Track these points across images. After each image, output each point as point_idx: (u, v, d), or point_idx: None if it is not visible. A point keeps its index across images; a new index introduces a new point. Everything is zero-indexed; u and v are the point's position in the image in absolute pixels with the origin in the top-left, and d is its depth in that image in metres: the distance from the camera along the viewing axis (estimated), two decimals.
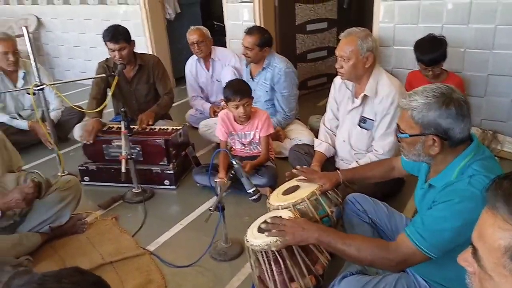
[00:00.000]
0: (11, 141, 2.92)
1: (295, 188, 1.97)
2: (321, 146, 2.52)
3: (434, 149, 1.31)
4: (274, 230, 1.54)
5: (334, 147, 2.52)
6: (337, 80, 2.48)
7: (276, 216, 1.67)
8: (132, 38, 3.08)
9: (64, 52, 5.75)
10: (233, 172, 1.89)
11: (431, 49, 2.77)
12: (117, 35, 2.95)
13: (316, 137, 2.68)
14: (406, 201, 2.41)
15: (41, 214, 2.21)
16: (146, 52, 4.11)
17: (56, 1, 5.44)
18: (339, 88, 2.47)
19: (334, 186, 1.86)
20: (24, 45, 2.79)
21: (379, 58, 3.36)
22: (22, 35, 2.84)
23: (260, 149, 2.69)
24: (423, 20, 3.18)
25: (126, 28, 3.05)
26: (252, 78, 3.22)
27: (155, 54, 4.69)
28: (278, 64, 3.09)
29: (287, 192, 1.98)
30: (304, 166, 2.12)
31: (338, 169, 2.41)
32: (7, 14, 5.99)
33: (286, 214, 1.74)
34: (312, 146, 2.60)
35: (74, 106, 3.03)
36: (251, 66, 3.25)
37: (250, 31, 3.10)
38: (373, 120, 2.27)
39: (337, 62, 2.24)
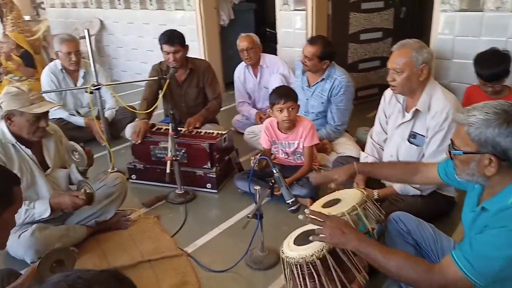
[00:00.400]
0: (68, 136, 3.09)
1: (336, 202, 1.92)
2: (366, 159, 2.44)
3: (490, 169, 1.22)
4: (316, 235, 1.49)
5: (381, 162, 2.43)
6: (388, 92, 2.39)
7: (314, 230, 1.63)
8: (187, 43, 3.16)
9: (123, 54, 6.03)
10: (272, 181, 1.87)
11: (492, 64, 2.59)
12: (173, 38, 3.05)
13: (363, 150, 2.59)
14: (456, 224, 2.26)
15: (89, 209, 2.30)
16: (198, 57, 4.22)
17: (118, 6, 5.74)
18: (389, 101, 2.38)
19: (349, 177, 1.80)
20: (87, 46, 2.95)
21: (434, 71, 3.20)
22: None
23: (303, 160, 2.65)
24: (486, 32, 2.99)
25: (182, 33, 3.14)
26: (309, 86, 3.12)
27: (207, 59, 4.80)
28: (339, 77, 2.99)
29: (327, 205, 1.93)
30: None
31: (384, 185, 2.34)
32: (74, 17, 6.40)
33: None
34: (358, 159, 2.52)
35: (127, 106, 3.16)
36: (308, 74, 3.12)
37: (313, 40, 2.99)
38: (424, 136, 2.16)
39: (388, 75, 2.16)
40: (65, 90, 3.67)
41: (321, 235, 1.46)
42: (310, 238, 1.50)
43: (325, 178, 1.86)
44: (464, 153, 1.26)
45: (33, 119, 2.02)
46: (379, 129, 2.46)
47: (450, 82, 3.25)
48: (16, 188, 1.24)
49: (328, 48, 2.96)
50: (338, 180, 1.79)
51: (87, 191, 2.12)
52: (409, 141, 2.23)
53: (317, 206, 1.96)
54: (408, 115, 2.21)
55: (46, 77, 3.64)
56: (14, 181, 1.25)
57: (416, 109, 2.14)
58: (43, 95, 3.51)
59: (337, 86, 2.99)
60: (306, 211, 1.56)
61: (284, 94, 2.50)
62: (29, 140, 2.09)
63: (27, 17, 6.85)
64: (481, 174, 1.25)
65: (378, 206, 1.89)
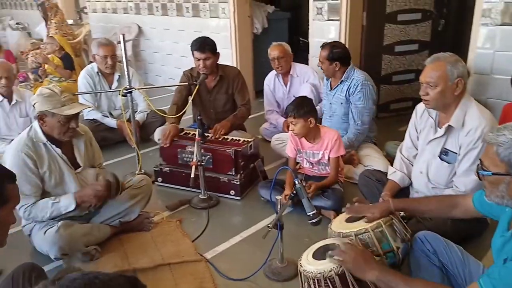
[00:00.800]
0: (100, 137, 3.20)
1: (360, 217, 1.86)
2: (395, 174, 2.36)
3: None
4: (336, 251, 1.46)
5: (410, 178, 2.35)
6: (420, 106, 2.31)
7: (339, 243, 1.58)
8: (218, 50, 3.20)
9: (158, 59, 6.18)
10: (294, 191, 1.84)
11: None
12: (204, 45, 3.09)
13: (392, 165, 2.51)
14: (488, 247, 2.12)
15: (114, 209, 2.36)
16: (230, 64, 4.25)
17: (156, 12, 5.89)
18: (421, 115, 2.30)
19: (384, 215, 1.72)
20: (127, 50, 3.02)
21: (472, 86, 3.08)
22: (126, 41, 3.13)
23: (329, 170, 2.60)
24: None
25: (213, 40, 3.18)
26: (331, 90, 3.19)
27: (239, 67, 4.83)
28: (356, 77, 3.04)
29: (351, 219, 1.88)
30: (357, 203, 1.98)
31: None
32: (114, 21, 6.62)
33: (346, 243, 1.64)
34: (385, 174, 2.44)
35: (157, 110, 3.21)
36: (332, 79, 3.19)
37: (323, 45, 3.13)
38: (456, 153, 2.07)
39: (421, 89, 2.08)
40: (100, 92, 3.78)
41: (341, 263, 1.44)
42: (329, 254, 1.46)
43: (358, 212, 1.81)
44: (493, 174, 1.20)
45: (64, 120, 2.08)
46: (410, 144, 2.38)
47: (488, 98, 3.11)
48: (10, 186, 1.21)
49: (337, 50, 3.03)
50: (372, 216, 1.73)
51: (108, 179, 2.17)
52: (440, 158, 2.15)
53: (340, 220, 1.92)
54: (441, 131, 2.12)
55: (83, 79, 3.76)
56: (7, 178, 1.22)
57: (449, 125, 2.06)
58: (78, 96, 3.66)
59: (354, 85, 3.02)
60: (331, 253, 1.52)
61: (291, 109, 2.47)
62: (59, 140, 2.16)
63: (70, 21, 7.18)
64: (511, 197, 1.18)
65: (405, 224, 1.82)
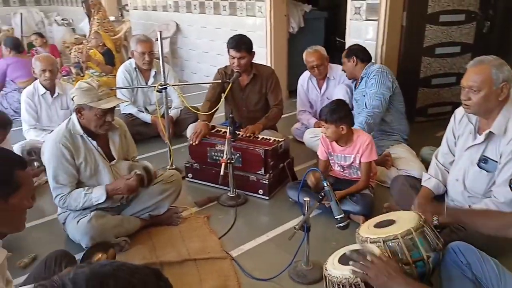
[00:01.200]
0: (135, 131, 3.27)
1: (390, 223, 1.80)
2: (429, 181, 2.27)
3: None
4: (358, 264, 1.42)
5: (445, 185, 2.25)
6: (459, 111, 2.21)
7: (365, 250, 1.54)
8: (254, 49, 3.19)
9: (194, 56, 6.26)
10: (322, 194, 1.80)
11: None
12: (240, 44, 3.09)
13: (427, 170, 2.43)
14: None
15: (144, 202, 2.42)
16: (264, 63, 4.25)
17: (194, 10, 5.97)
18: (460, 121, 2.20)
19: (435, 213, 1.65)
20: (164, 47, 3.08)
21: None
22: (164, 38, 3.18)
23: (360, 175, 2.54)
24: None
25: (250, 39, 3.18)
26: (355, 89, 3.31)
27: (274, 66, 4.82)
28: (373, 68, 3.14)
29: (380, 225, 1.82)
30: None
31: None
32: (153, 19, 6.77)
33: (373, 249, 1.59)
34: (420, 180, 2.36)
35: (190, 107, 3.26)
36: (356, 82, 3.31)
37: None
38: (496, 161, 1.97)
39: (462, 93, 1.99)
40: (136, 88, 3.87)
41: (364, 275, 1.40)
42: (352, 265, 1.42)
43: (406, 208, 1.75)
44: None
45: (100, 113, 2.14)
46: (446, 150, 2.29)
47: None
48: (20, 173, 1.22)
49: (354, 47, 3.27)
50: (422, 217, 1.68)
51: (138, 172, 2.23)
52: (479, 165, 2.05)
53: (369, 225, 1.86)
54: (480, 138, 2.02)
55: (121, 74, 3.87)
56: (18, 164, 1.23)
57: (490, 132, 1.96)
58: (115, 91, 3.76)
59: (370, 73, 3.11)
60: (348, 253, 1.48)
61: (325, 112, 2.43)
62: (95, 132, 2.23)
63: (112, 18, 7.40)
64: None
65: (437, 233, 1.75)
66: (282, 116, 3.45)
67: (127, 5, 7.82)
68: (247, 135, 2.96)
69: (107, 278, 0.70)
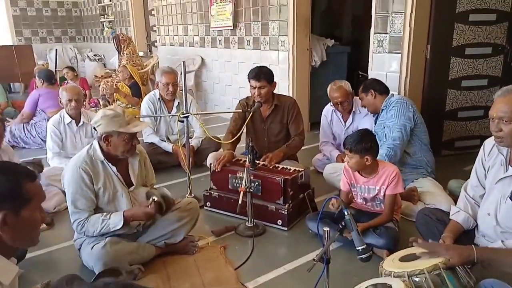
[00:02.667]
0: (156, 160, 3.29)
1: (417, 257, 1.70)
2: (458, 215, 2.14)
3: None
4: None
5: (475, 220, 2.12)
6: (488, 142, 2.11)
7: (388, 284, 1.44)
8: (275, 80, 3.22)
9: (218, 89, 6.37)
10: (343, 223, 1.72)
11: None
12: (260, 74, 3.13)
13: (455, 204, 2.30)
14: None
15: (160, 229, 2.38)
16: (287, 95, 4.26)
17: (219, 45, 6.14)
18: (490, 152, 2.09)
19: (464, 263, 1.53)
20: (189, 80, 3.14)
21: None
22: (189, 72, 3.26)
23: (383, 207, 2.43)
24: None
25: (270, 70, 3.21)
26: (375, 123, 3.26)
27: (296, 99, 4.81)
28: (393, 99, 3.10)
29: (405, 258, 1.73)
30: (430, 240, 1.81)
31: (476, 245, 2.02)
32: (180, 54, 6.99)
33: (397, 284, 1.49)
34: (447, 213, 2.23)
35: (212, 136, 3.27)
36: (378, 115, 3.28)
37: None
38: None
39: (492, 124, 1.90)
40: (159, 117, 3.94)
41: None
42: None
43: (431, 250, 1.64)
44: None
45: (128, 138, 2.17)
46: (476, 183, 2.17)
47: None
48: (29, 185, 1.19)
49: (369, 80, 3.30)
50: (450, 262, 1.56)
51: (156, 199, 2.20)
52: (511, 199, 1.92)
53: (393, 258, 1.77)
54: None
55: (145, 104, 3.95)
56: (25, 177, 1.20)
57: None
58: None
59: (390, 105, 3.08)
60: (382, 266, 1.39)
61: (350, 142, 2.36)
62: (116, 158, 2.24)
63: (141, 53, 7.69)
64: None
65: (467, 269, 1.63)
66: (304, 147, 3.41)
67: (156, 41, 8.14)
68: (266, 162, 2.92)
69: None
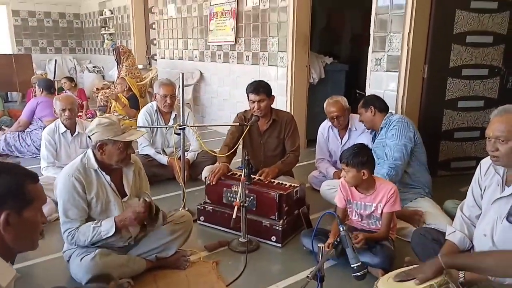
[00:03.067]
0: (151, 172, 3.25)
1: (412, 276, 1.67)
2: (454, 235, 2.11)
3: None
4: None
5: (471, 240, 2.09)
6: (485, 161, 2.10)
7: None
8: (273, 95, 3.22)
9: (216, 103, 6.38)
10: (338, 239, 1.69)
11: None
12: (259, 87, 3.14)
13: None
14: None
15: (152, 242, 2.33)
16: (285, 110, 4.26)
17: (218, 60, 6.17)
18: (486, 172, 2.09)
19: (438, 274, 1.51)
20: (187, 93, 3.14)
21: None
22: (187, 85, 3.25)
23: (379, 225, 2.40)
24: None
25: (268, 84, 3.22)
26: (373, 140, 3.24)
27: (293, 115, 4.82)
28: (394, 118, 3.09)
29: (401, 278, 1.69)
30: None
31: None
32: (179, 67, 7.02)
33: None
34: (443, 233, 2.21)
35: (208, 149, 3.24)
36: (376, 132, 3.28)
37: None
38: None
39: (489, 144, 1.90)
40: (155, 128, 3.92)
41: None
42: None
43: (408, 276, 1.64)
44: None
45: (123, 146, 2.15)
46: (472, 203, 2.15)
47: None
48: (32, 186, 1.21)
49: (370, 96, 3.28)
50: (424, 276, 1.56)
51: (146, 199, 2.16)
52: (508, 219, 1.90)
53: (388, 277, 1.73)
54: (509, 190, 1.89)
55: (142, 116, 3.94)
56: (29, 178, 1.22)
57: None
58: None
59: (391, 124, 3.06)
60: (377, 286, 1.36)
61: (346, 156, 2.35)
62: (110, 167, 2.21)
63: (140, 66, 7.73)
64: None
65: None
66: (300, 164, 3.40)
67: (155, 54, 8.18)
68: (262, 177, 2.89)
69: None
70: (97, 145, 2.15)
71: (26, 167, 1.29)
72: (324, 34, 6.60)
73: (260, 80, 3.26)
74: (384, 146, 3.06)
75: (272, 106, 3.30)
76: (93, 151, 2.20)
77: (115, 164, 2.19)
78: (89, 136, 2.20)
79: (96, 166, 2.19)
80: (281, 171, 3.11)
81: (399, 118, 3.06)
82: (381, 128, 3.12)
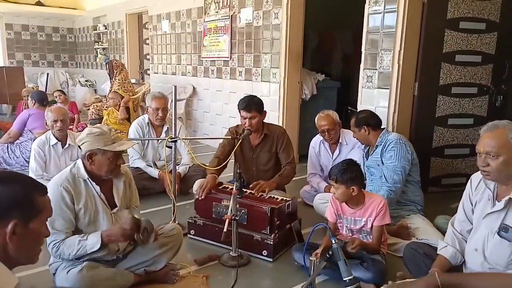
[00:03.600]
0: (141, 185, 3.22)
1: None
2: (446, 250, 2.11)
3: None
4: None
5: (463, 255, 2.09)
6: (475, 176, 2.12)
7: None
8: (265, 109, 3.23)
9: (208, 118, 6.39)
10: (330, 252, 1.67)
11: None
12: (250, 105, 3.14)
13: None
14: None
15: (141, 256, 2.29)
16: (277, 124, 4.27)
17: (211, 75, 6.20)
18: (477, 187, 2.10)
19: None
20: (179, 108, 3.13)
21: None
22: (180, 100, 3.24)
23: (370, 240, 2.39)
24: None
25: (260, 100, 3.23)
26: (367, 157, 3.21)
27: (285, 130, 4.84)
28: (390, 138, 3.04)
29: None
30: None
31: None
32: (172, 82, 7.02)
33: None
34: (435, 248, 2.20)
35: (200, 163, 3.23)
36: (369, 147, 3.23)
37: (351, 115, 3.36)
38: None
39: (479, 159, 1.91)
40: (146, 142, 3.90)
41: None
42: None
43: None
44: None
45: (113, 156, 2.11)
46: (463, 217, 2.15)
47: None
48: (40, 198, 1.22)
49: (363, 115, 3.16)
50: None
51: (134, 216, 2.12)
52: (499, 234, 1.90)
53: None
54: (500, 204, 1.90)
55: (133, 128, 3.92)
56: (38, 190, 1.24)
57: (510, 198, 1.85)
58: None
59: (386, 145, 3.02)
60: None
61: (335, 172, 2.35)
62: (100, 178, 2.18)
63: (133, 80, 7.73)
64: None
65: None
66: (293, 179, 3.37)
67: (148, 69, 8.21)
68: (257, 192, 2.87)
69: None
70: (87, 154, 2.12)
71: None
72: (316, 53, 6.69)
73: (252, 96, 3.26)
74: (379, 165, 3.05)
75: (264, 120, 3.30)
76: (83, 161, 2.17)
77: (104, 175, 2.16)
78: (79, 146, 2.17)
79: (86, 176, 2.15)
80: (279, 185, 3.10)
81: (397, 139, 3.01)
82: (377, 146, 3.09)
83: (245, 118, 3.15)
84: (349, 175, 2.32)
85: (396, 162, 2.93)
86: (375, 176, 3.08)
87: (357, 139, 3.24)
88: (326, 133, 3.48)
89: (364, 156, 3.28)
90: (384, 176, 2.96)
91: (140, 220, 2.13)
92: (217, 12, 5.87)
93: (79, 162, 2.18)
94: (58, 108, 3.64)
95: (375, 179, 3.08)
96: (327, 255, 1.71)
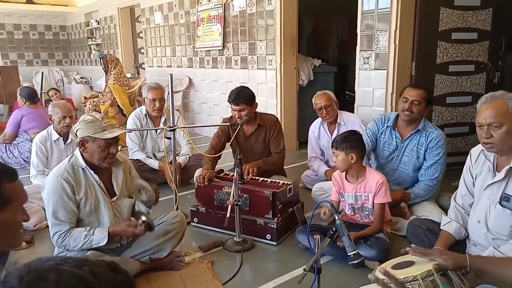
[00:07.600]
0: (142, 177, 3.16)
1: (409, 264, 1.66)
2: (449, 225, 2.12)
3: None
4: None
5: (466, 230, 2.10)
6: (475, 150, 2.12)
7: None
8: (264, 100, 3.22)
9: (206, 109, 6.37)
10: (334, 228, 1.68)
11: None
12: (237, 98, 3.12)
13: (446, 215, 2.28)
14: None
15: (145, 244, 2.29)
16: (274, 114, 4.26)
17: (206, 66, 6.17)
18: (477, 159, 2.10)
19: (457, 269, 1.50)
20: (176, 100, 3.10)
21: None
22: (176, 92, 3.22)
23: (372, 219, 2.40)
24: None
25: (250, 91, 3.20)
26: (402, 140, 2.88)
27: (284, 117, 4.85)
28: (435, 130, 2.82)
29: (398, 266, 1.68)
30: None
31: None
32: (167, 75, 6.98)
33: None
34: (438, 224, 2.21)
35: (200, 152, 3.22)
36: (401, 128, 2.88)
37: (416, 85, 2.98)
38: None
39: (481, 132, 1.87)
40: (145, 134, 3.89)
41: None
42: None
43: (425, 255, 1.60)
44: None
45: (104, 145, 2.09)
46: (465, 191, 2.16)
47: None
48: (10, 185, 1.11)
49: (431, 94, 2.96)
50: (444, 264, 1.52)
51: (144, 220, 2.11)
52: (501, 204, 1.91)
53: (385, 266, 1.71)
54: (500, 174, 1.90)
55: (131, 120, 3.90)
56: (6, 176, 1.11)
57: (511, 167, 1.85)
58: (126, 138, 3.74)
59: (435, 139, 2.78)
60: (374, 274, 1.34)
61: (336, 140, 2.44)
62: (99, 166, 2.17)
63: (128, 75, 7.68)
64: None
65: (461, 276, 1.59)
66: (292, 165, 3.39)
67: (143, 63, 8.16)
68: (248, 175, 2.88)
69: (47, 272, 0.59)
70: (80, 142, 2.12)
71: None
72: (311, 39, 6.66)
73: (241, 88, 3.21)
74: (418, 157, 2.83)
75: (261, 109, 3.28)
76: (80, 150, 2.16)
77: (97, 163, 2.14)
78: (75, 134, 2.16)
79: (84, 164, 2.15)
80: (261, 168, 3.06)
81: (443, 136, 2.81)
82: (418, 130, 2.81)
83: (234, 111, 3.14)
84: (349, 143, 2.38)
85: (442, 160, 2.81)
86: (404, 167, 2.90)
87: (412, 112, 2.75)
88: (324, 110, 3.46)
89: (399, 137, 2.89)
90: (427, 172, 2.82)
91: (152, 221, 2.14)
92: (209, 1, 5.82)
93: (77, 151, 2.18)
94: (64, 104, 3.60)
95: (403, 173, 2.90)
96: (331, 232, 1.71)
